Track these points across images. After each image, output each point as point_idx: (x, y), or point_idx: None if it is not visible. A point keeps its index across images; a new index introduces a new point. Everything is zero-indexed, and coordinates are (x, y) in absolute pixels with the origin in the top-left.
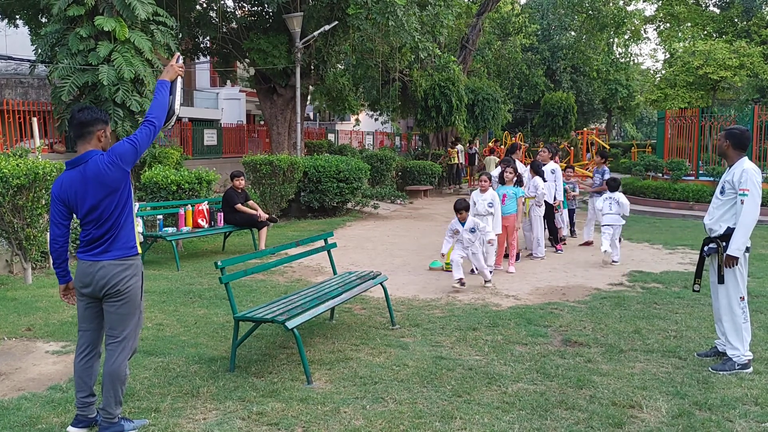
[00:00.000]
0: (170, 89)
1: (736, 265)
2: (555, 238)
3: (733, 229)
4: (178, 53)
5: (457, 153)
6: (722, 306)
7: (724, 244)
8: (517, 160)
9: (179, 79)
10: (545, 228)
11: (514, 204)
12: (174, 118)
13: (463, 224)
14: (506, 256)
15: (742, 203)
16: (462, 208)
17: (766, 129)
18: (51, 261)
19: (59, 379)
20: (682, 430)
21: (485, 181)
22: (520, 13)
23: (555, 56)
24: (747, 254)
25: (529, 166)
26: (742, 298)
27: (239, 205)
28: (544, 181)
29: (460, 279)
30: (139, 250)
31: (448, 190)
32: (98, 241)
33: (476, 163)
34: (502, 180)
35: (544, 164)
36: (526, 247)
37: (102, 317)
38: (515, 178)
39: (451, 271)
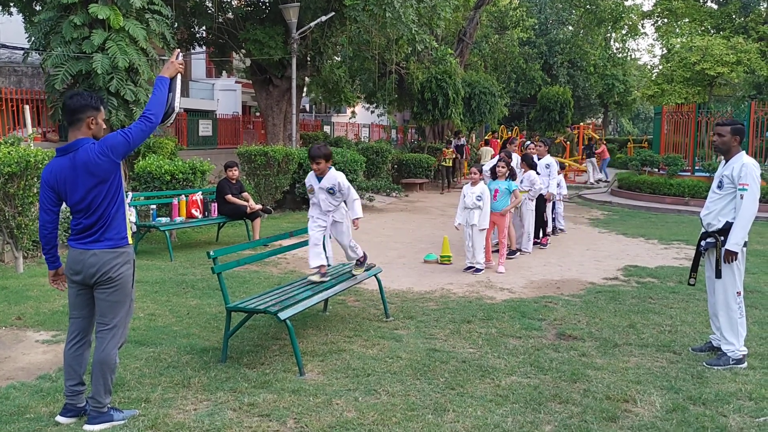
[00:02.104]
0: (170, 86)
1: (735, 260)
2: (544, 231)
3: (732, 223)
4: (178, 50)
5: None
6: (719, 301)
7: (722, 238)
8: (513, 153)
9: (179, 76)
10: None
11: (506, 200)
12: (173, 115)
13: (319, 179)
14: (495, 251)
15: (742, 198)
16: (318, 156)
17: (762, 125)
18: (41, 248)
19: (49, 369)
20: (676, 425)
21: (475, 173)
22: (518, 6)
23: (552, 50)
24: (745, 249)
25: (521, 160)
26: (739, 293)
27: (229, 196)
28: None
29: (320, 266)
30: (130, 241)
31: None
32: (89, 230)
33: (464, 155)
34: (494, 174)
35: (540, 158)
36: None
37: (93, 305)
38: (508, 173)
39: (447, 264)
